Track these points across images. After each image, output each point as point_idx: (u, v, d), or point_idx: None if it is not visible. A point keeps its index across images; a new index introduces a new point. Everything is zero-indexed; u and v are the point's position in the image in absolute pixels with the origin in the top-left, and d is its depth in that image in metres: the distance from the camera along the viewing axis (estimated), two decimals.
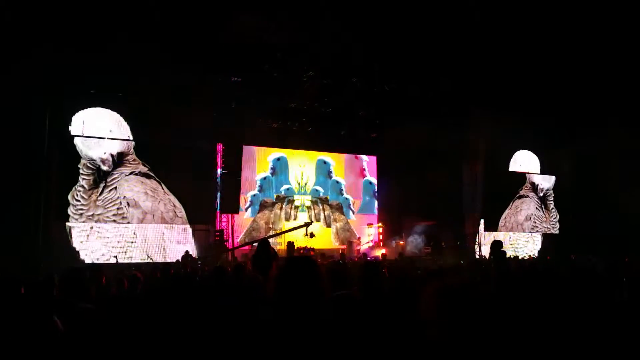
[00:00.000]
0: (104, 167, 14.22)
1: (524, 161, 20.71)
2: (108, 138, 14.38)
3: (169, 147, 14.71)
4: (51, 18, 11.36)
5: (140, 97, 14.24)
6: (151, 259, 13.84)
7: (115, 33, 11.87)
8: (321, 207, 19.39)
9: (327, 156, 19.52)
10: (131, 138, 14.74)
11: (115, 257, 13.16)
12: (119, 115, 14.67)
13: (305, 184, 18.97)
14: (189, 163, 14.68)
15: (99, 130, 14.34)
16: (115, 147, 14.53)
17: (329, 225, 19.41)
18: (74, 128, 14.00)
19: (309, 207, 19.03)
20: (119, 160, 14.46)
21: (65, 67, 12.24)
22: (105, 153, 14.32)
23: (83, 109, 14.11)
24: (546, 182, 20.96)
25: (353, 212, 19.61)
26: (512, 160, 20.39)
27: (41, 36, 11.55)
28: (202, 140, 15.27)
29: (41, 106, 12.67)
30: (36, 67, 11.75)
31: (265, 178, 18.24)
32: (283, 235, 16.29)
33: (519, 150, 20.51)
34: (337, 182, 19.70)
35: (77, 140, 14.06)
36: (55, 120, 13.23)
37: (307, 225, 15.70)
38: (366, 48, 13.73)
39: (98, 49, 12.02)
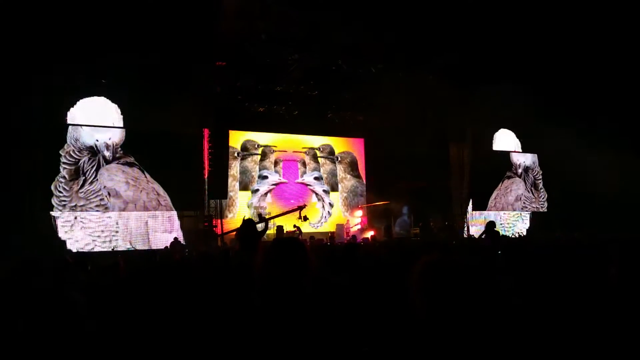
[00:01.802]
0: (106, 153, 14.25)
1: (504, 140, 20.81)
2: (97, 126, 14.23)
3: (154, 134, 14.57)
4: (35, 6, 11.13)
5: (124, 83, 14.06)
6: (134, 247, 13.76)
7: (98, 19, 11.66)
8: (321, 162, 18.89)
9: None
10: (116, 125, 14.57)
11: (113, 248, 13.19)
12: (113, 104, 14.61)
13: None
14: (175, 149, 14.55)
15: (100, 119, 14.41)
16: (116, 136, 14.53)
17: (333, 189, 19.05)
18: (70, 117, 14.01)
19: (303, 163, 18.53)
20: (107, 149, 14.36)
21: (50, 57, 12.01)
22: (110, 139, 14.40)
23: (71, 97, 13.97)
24: (529, 160, 21.07)
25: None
26: (494, 139, 20.49)
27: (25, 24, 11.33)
28: (188, 125, 15.12)
29: (27, 94, 12.45)
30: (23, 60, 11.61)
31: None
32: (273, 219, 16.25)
33: (499, 128, 20.58)
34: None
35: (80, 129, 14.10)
36: (42, 108, 13.05)
37: (300, 208, 15.60)
38: (351, 29, 13.60)
39: (81, 37, 11.81)
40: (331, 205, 19.34)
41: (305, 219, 15.49)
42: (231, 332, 1.94)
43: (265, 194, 17.92)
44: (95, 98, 14.36)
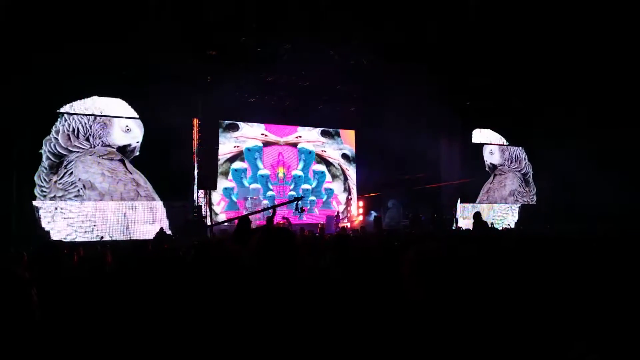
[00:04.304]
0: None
1: (488, 136, 20.98)
2: (88, 115, 14.13)
3: (144, 122, 14.52)
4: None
5: (112, 73, 13.94)
6: (110, 237, 13.77)
7: (88, 9, 11.53)
8: None
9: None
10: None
11: (102, 237, 13.16)
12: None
13: (285, 174, 18.75)
14: (164, 138, 14.47)
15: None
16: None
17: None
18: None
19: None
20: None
21: (40, 48, 11.89)
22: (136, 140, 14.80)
23: (63, 88, 13.83)
24: (497, 159, 21.16)
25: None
26: (479, 133, 20.63)
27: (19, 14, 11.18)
28: (177, 115, 15.01)
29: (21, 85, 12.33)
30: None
31: (257, 189, 17.96)
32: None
33: (486, 124, 20.72)
34: (321, 172, 19.58)
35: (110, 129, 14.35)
36: (35, 98, 13.02)
37: (297, 200, 15.53)
38: (344, 20, 13.54)
39: (71, 28, 11.68)
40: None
41: (302, 211, 15.43)
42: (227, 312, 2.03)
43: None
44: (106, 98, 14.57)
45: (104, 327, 2.79)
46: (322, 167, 19.66)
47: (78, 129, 13.81)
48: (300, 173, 19.09)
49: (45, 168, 13.49)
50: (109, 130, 14.24)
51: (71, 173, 13.83)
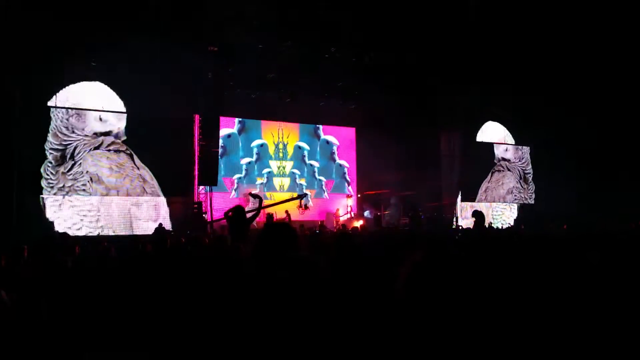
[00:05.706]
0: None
1: (492, 132, 20.96)
2: (88, 109, 14.13)
3: (145, 118, 14.52)
4: None
5: (114, 67, 13.96)
6: (113, 232, 13.83)
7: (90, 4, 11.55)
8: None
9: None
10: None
11: (98, 234, 13.21)
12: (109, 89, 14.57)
13: (284, 146, 18.54)
14: (165, 134, 14.47)
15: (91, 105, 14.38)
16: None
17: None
18: (60, 103, 13.88)
19: None
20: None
21: (40, 41, 11.87)
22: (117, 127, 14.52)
23: (63, 82, 13.84)
24: (510, 154, 21.16)
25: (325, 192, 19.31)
26: (482, 131, 20.63)
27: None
28: (178, 111, 15.01)
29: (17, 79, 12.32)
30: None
31: (249, 163, 17.84)
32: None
33: (490, 120, 20.70)
34: (328, 142, 19.31)
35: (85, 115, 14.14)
36: (32, 92, 13.04)
37: (301, 197, 15.53)
38: (345, 17, 13.55)
39: (72, 21, 11.68)
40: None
41: (306, 207, 15.46)
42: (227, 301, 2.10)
43: None
44: (91, 83, 14.33)
45: (100, 320, 2.82)
46: (332, 139, 19.18)
47: (57, 125, 13.71)
48: (307, 146, 18.81)
49: (51, 162, 13.52)
50: (84, 120, 14.08)
51: (80, 164, 13.86)
